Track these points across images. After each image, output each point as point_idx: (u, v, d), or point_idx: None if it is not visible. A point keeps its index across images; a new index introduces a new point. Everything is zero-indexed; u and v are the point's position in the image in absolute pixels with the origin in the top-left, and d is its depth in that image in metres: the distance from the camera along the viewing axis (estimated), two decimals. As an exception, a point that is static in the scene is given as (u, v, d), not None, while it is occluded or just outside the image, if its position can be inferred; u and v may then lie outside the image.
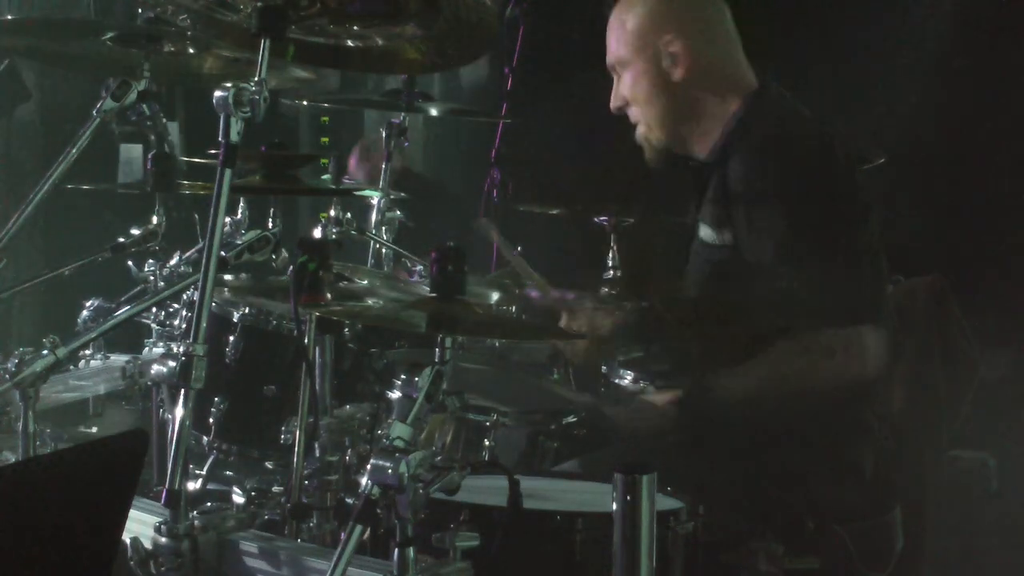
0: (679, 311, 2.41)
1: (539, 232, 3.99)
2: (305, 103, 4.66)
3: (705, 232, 2.64)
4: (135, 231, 2.96)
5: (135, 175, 4.64)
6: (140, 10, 2.43)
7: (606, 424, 2.59)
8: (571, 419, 2.76)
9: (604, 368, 3.43)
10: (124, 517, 1.49)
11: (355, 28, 2.19)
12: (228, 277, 2.87)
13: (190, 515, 1.89)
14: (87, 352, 2.96)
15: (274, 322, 2.91)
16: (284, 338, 2.92)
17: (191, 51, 2.54)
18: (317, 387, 2.32)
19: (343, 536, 1.76)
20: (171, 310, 3.06)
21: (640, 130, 2.69)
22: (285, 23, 2.03)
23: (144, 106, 2.45)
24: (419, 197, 3.87)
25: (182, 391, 1.86)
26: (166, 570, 1.85)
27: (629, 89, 2.67)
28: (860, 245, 2.50)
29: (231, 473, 3.01)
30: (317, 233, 3.10)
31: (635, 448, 2.59)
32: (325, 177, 3.37)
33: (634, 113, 2.69)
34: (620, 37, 2.67)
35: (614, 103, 2.71)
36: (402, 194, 3.61)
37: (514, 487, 1.92)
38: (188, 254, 3.05)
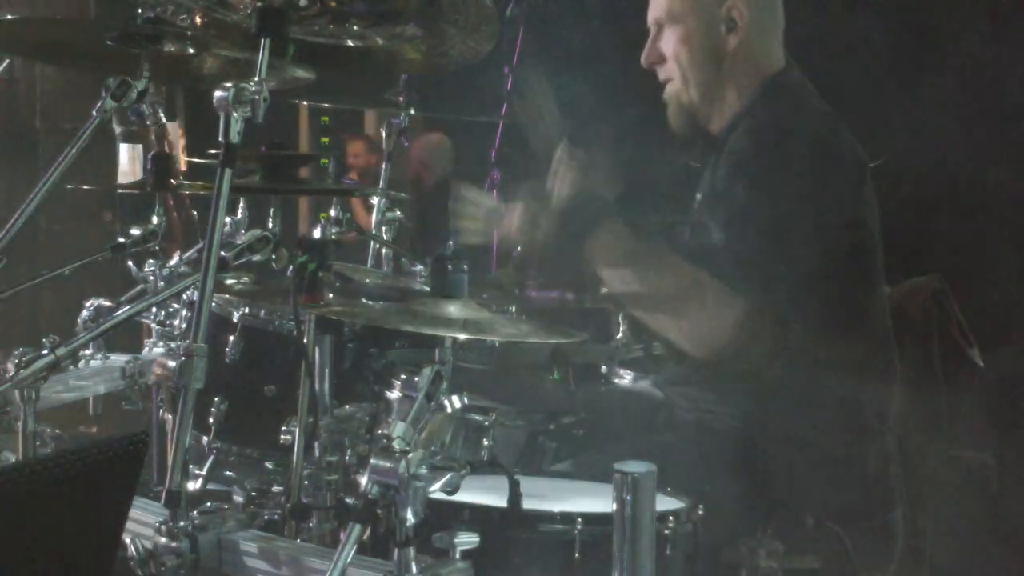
0: None
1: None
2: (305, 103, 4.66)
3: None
4: (135, 231, 2.97)
5: (135, 175, 4.64)
6: (140, 10, 2.43)
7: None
8: (570, 419, 2.77)
9: (604, 368, 3.43)
10: (124, 517, 1.49)
11: (355, 28, 2.19)
12: (230, 281, 2.87)
13: (190, 515, 1.89)
14: (87, 352, 2.96)
15: (274, 322, 2.91)
16: (284, 338, 2.92)
17: (191, 51, 2.54)
18: (317, 387, 2.32)
19: (343, 536, 1.76)
20: (171, 310, 3.06)
21: (672, 88, 2.64)
22: (285, 23, 2.03)
23: (144, 106, 2.45)
24: None
25: (182, 391, 1.86)
26: (166, 570, 1.85)
27: (673, 46, 2.61)
28: (838, 251, 2.42)
29: (231, 473, 3.01)
30: (317, 233, 3.10)
31: (631, 448, 2.59)
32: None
33: (668, 69, 2.64)
34: None
35: (648, 58, 2.66)
36: (401, 194, 3.62)
37: (514, 487, 1.92)
38: (188, 254, 3.05)
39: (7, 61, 3.98)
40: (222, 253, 2.03)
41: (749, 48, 2.58)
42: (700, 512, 2.07)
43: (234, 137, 1.91)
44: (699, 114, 2.65)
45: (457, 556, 1.78)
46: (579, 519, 1.96)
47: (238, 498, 2.36)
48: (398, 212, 3.52)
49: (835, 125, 2.53)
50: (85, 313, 2.96)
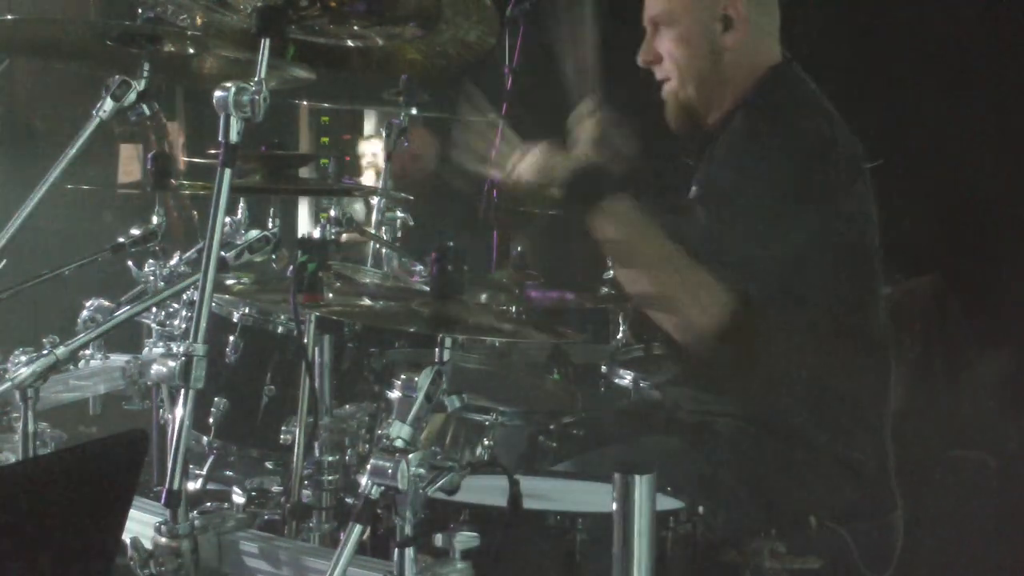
0: None
1: (539, 232, 3.99)
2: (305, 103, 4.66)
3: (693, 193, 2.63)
4: (135, 231, 2.97)
5: (135, 175, 4.65)
6: (140, 10, 2.43)
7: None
8: (570, 419, 2.77)
9: (604, 368, 3.43)
10: (124, 517, 1.48)
11: (355, 28, 2.19)
12: (230, 281, 2.87)
13: (190, 515, 1.89)
14: (87, 352, 2.96)
15: (274, 322, 2.91)
16: (284, 338, 2.92)
17: (191, 51, 2.54)
18: (317, 387, 2.32)
19: (343, 536, 1.76)
20: (171, 310, 3.06)
21: (669, 87, 2.64)
22: (285, 23, 2.03)
23: (144, 106, 2.45)
24: None
25: (182, 391, 1.86)
26: (166, 570, 1.85)
27: (669, 46, 2.61)
28: (826, 243, 2.41)
29: (231, 473, 3.01)
30: (317, 233, 3.10)
31: (632, 448, 2.59)
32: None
33: (665, 69, 2.63)
34: None
35: (645, 57, 2.65)
36: (403, 194, 3.62)
37: (514, 487, 1.92)
38: (188, 254, 3.05)
39: (7, 61, 3.97)
40: (222, 253, 2.03)
41: (746, 46, 2.58)
42: (700, 512, 2.07)
43: (234, 137, 1.91)
44: (697, 112, 2.64)
45: (457, 556, 1.78)
46: (579, 519, 1.96)
47: (238, 498, 2.36)
48: (398, 212, 3.52)
49: (831, 120, 2.53)
50: (85, 313, 2.96)
